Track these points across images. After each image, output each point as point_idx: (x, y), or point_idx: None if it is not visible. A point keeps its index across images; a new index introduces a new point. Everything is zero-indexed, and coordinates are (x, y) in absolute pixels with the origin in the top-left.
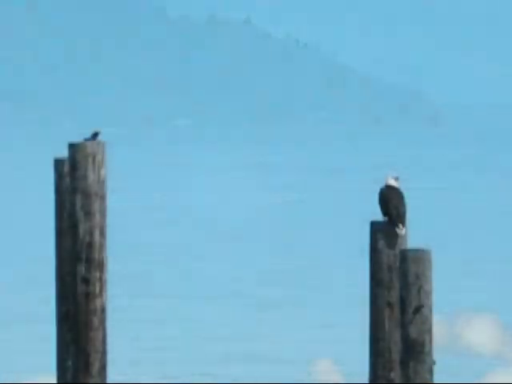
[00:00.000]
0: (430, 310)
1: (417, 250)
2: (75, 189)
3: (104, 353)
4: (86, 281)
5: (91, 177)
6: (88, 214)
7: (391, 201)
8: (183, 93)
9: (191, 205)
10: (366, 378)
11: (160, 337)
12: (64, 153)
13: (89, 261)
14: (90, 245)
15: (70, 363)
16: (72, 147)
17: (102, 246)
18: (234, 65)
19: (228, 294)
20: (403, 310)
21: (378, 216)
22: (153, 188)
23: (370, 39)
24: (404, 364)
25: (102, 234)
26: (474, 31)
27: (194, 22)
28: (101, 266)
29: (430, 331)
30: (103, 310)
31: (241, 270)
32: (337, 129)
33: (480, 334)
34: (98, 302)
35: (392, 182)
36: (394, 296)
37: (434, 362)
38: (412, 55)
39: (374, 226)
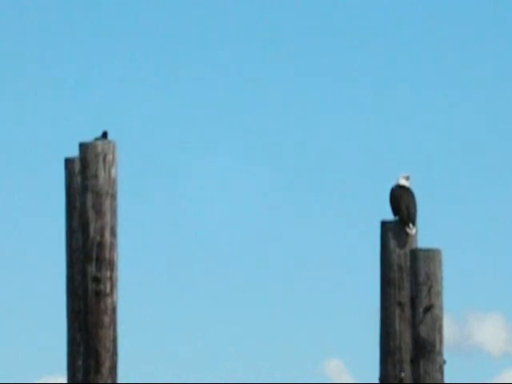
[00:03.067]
0: (441, 310)
1: (427, 250)
2: (86, 188)
3: (115, 352)
4: (97, 280)
5: (102, 176)
6: (99, 213)
7: (402, 200)
8: None
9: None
10: (376, 377)
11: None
12: (74, 152)
13: (99, 260)
14: (101, 244)
15: (80, 363)
16: (83, 146)
17: (112, 245)
18: None
19: None
20: (414, 310)
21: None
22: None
23: None
24: (414, 363)
25: (113, 233)
26: None
27: None
28: (111, 265)
29: (440, 331)
30: (114, 309)
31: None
32: None
33: (490, 333)
34: (108, 301)
35: (403, 182)
36: (405, 295)
37: (444, 362)
38: None
39: (385, 226)
